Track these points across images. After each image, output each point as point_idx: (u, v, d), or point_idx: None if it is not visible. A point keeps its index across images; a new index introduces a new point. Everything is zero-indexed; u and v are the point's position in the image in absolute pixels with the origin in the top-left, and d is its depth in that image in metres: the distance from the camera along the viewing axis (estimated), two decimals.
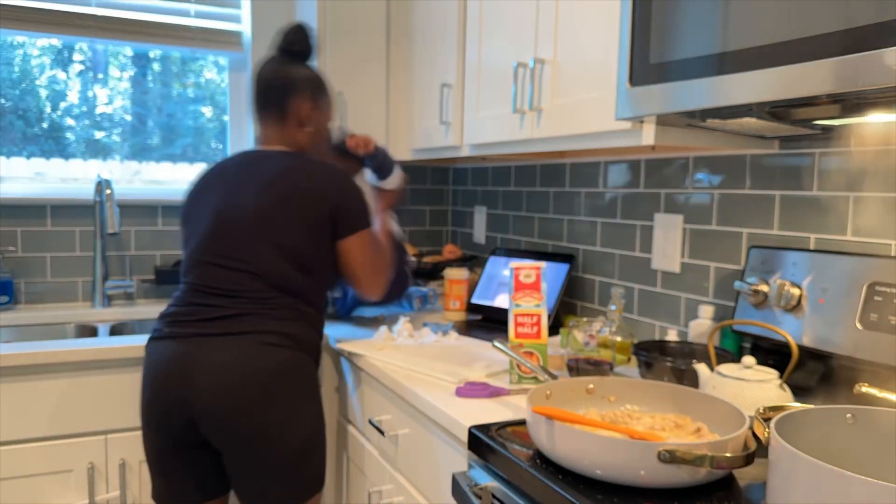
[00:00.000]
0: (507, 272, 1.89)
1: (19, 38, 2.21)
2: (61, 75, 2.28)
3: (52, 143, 2.28)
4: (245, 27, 2.39)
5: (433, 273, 2.43)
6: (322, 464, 1.52)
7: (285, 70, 1.60)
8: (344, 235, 1.54)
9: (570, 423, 0.92)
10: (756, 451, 0.87)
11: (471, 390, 1.32)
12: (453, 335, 1.80)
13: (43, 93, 2.26)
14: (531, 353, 1.42)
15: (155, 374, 1.43)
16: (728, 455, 0.84)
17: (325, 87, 1.65)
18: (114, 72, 2.35)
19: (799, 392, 1.28)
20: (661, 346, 1.46)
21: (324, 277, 1.56)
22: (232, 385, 1.39)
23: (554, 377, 1.37)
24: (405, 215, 2.68)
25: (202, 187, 1.60)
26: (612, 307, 1.61)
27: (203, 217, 1.54)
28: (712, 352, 1.25)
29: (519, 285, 1.42)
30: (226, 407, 1.38)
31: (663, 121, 1.24)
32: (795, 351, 1.12)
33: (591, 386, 1.13)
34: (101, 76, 2.32)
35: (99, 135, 2.33)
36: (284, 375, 1.44)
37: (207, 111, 2.48)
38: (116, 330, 2.15)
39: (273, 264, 1.47)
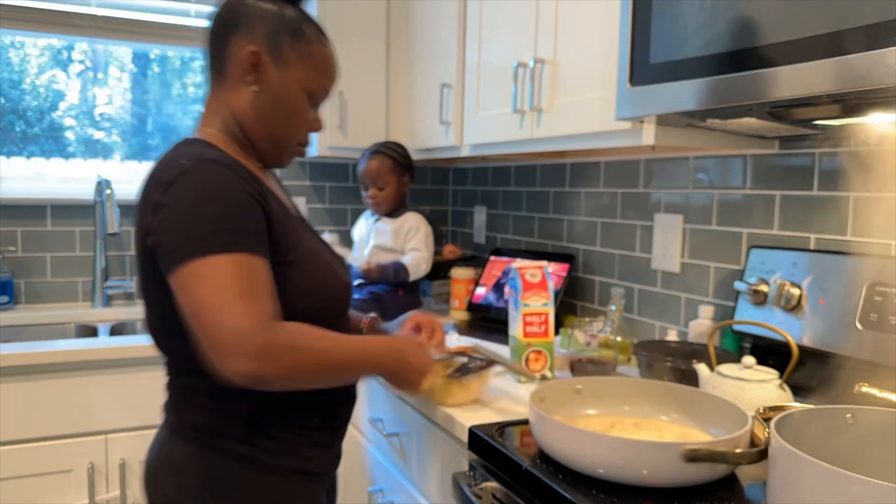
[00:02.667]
0: (508, 270, 1.89)
1: (19, 38, 2.21)
2: (61, 75, 2.28)
3: (52, 143, 2.28)
4: None
5: (433, 273, 2.43)
6: None
7: (234, 2, 1.04)
8: (165, 271, 0.92)
9: (573, 423, 0.92)
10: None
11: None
12: (453, 335, 1.80)
13: (43, 93, 2.25)
14: (540, 352, 1.42)
15: None
16: (739, 451, 0.84)
17: (299, 32, 1.04)
18: (114, 72, 2.35)
19: (799, 392, 1.28)
20: (661, 346, 1.46)
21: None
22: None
23: (546, 378, 1.37)
24: None
25: None
26: (613, 307, 1.61)
27: None
28: (712, 352, 1.25)
29: (526, 285, 1.42)
30: None
31: (663, 121, 1.24)
32: (795, 351, 1.12)
33: (578, 387, 1.13)
34: (101, 76, 2.32)
35: (99, 135, 2.33)
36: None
37: None
38: (116, 330, 2.15)
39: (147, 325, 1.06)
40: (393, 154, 2.06)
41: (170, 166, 0.95)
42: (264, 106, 1.04)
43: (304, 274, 1.02)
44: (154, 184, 0.95)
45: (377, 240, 2.07)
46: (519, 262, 1.47)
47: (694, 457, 0.83)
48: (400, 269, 2.00)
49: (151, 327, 1.04)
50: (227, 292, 0.86)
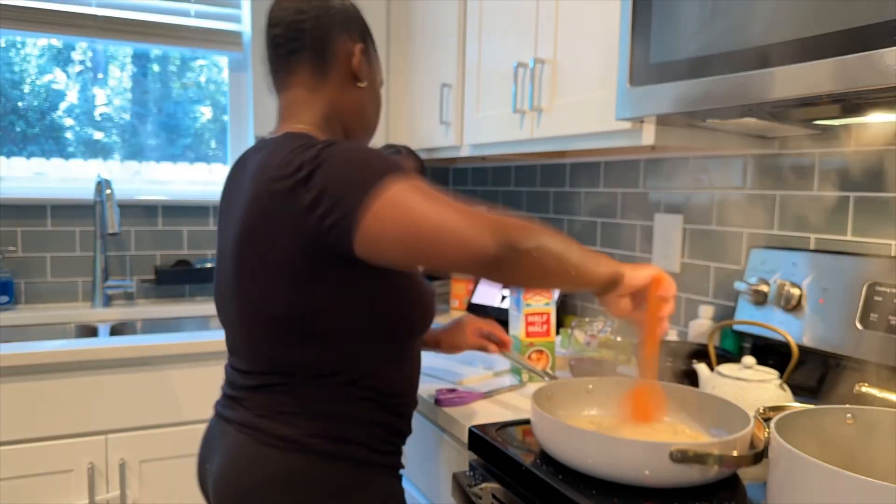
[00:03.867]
0: None
1: (19, 37, 2.21)
2: (61, 75, 2.28)
3: (52, 143, 2.28)
4: (245, 27, 2.39)
5: (433, 273, 2.43)
6: None
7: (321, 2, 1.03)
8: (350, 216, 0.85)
9: (574, 423, 0.92)
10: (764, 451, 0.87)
11: (449, 400, 1.29)
12: None
13: (43, 93, 2.25)
14: (541, 352, 1.43)
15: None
16: (736, 454, 0.84)
17: (370, 30, 1.10)
18: (114, 72, 2.35)
19: (799, 392, 1.28)
20: (661, 346, 1.46)
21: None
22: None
23: (554, 377, 1.37)
24: None
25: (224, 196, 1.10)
26: None
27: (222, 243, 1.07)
28: (712, 352, 1.25)
29: None
30: None
31: (663, 121, 1.24)
32: (795, 351, 1.12)
33: (590, 386, 1.13)
34: (101, 76, 2.32)
35: (99, 135, 2.33)
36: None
37: (207, 111, 2.48)
38: (116, 330, 2.15)
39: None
40: (416, 155, 2.06)
41: (299, 146, 0.90)
42: (366, 102, 1.07)
43: (414, 282, 1.01)
44: (284, 167, 0.89)
45: None
46: None
47: (682, 458, 0.82)
48: None
49: (280, 333, 0.95)
50: (436, 198, 0.84)
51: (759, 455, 0.85)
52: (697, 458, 0.83)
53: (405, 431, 1.06)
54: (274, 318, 0.94)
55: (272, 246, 0.91)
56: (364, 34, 1.06)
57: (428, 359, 1.56)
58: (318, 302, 0.91)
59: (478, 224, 0.82)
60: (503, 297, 2.03)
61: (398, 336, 1.00)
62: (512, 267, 0.83)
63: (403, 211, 0.82)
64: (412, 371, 1.06)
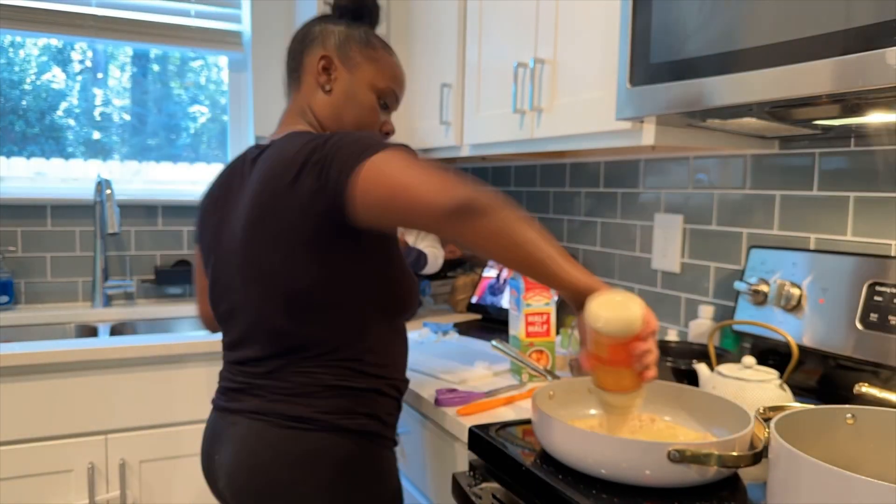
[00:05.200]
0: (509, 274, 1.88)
1: (19, 37, 2.21)
2: (61, 75, 2.28)
3: (52, 143, 2.28)
4: (245, 27, 2.39)
5: (432, 273, 2.43)
6: None
7: (310, 24, 1.19)
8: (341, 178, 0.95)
9: (575, 422, 0.92)
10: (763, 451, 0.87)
11: (449, 400, 1.29)
12: (453, 335, 1.80)
13: (43, 93, 2.25)
14: (541, 352, 1.43)
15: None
16: (736, 454, 0.84)
17: (366, 41, 1.19)
18: (114, 72, 2.35)
19: (799, 392, 1.28)
20: (661, 346, 1.46)
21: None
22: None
23: (556, 377, 1.37)
24: None
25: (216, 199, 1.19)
26: None
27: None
28: (712, 352, 1.25)
29: (529, 285, 1.43)
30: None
31: (663, 121, 1.24)
32: (795, 351, 1.12)
33: (592, 386, 1.13)
34: (100, 76, 2.32)
35: (98, 135, 2.33)
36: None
37: (207, 111, 2.48)
38: (116, 330, 2.15)
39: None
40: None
41: (309, 139, 1.00)
42: (338, 103, 1.16)
43: (404, 269, 1.12)
44: (287, 158, 1.00)
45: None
46: None
47: (681, 457, 0.83)
48: (421, 256, 2.00)
49: (299, 306, 1.02)
50: (415, 163, 0.93)
51: (758, 455, 0.85)
52: (697, 458, 0.83)
53: (400, 407, 1.15)
54: (293, 291, 1.01)
55: (287, 222, 0.99)
56: (342, 44, 1.16)
57: (428, 359, 1.56)
58: (330, 273, 1.00)
59: (442, 183, 0.90)
60: (502, 292, 2.03)
61: (391, 314, 1.10)
62: (468, 225, 0.89)
63: (384, 173, 0.92)
64: (405, 349, 1.16)
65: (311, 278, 1.00)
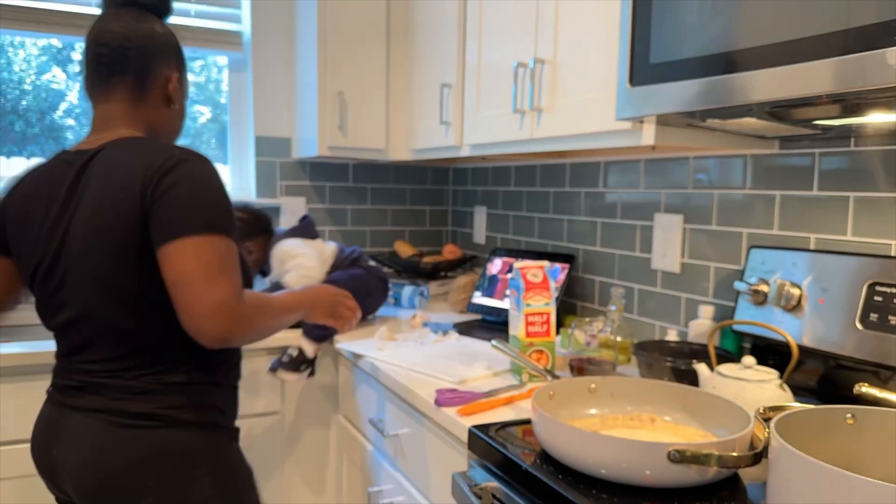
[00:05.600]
0: (510, 274, 1.89)
1: (19, 38, 2.21)
2: (61, 75, 2.28)
3: (52, 143, 2.28)
4: (245, 27, 2.39)
5: (433, 273, 2.43)
6: None
7: (145, 26, 1.16)
8: (158, 242, 1.04)
9: (575, 423, 0.92)
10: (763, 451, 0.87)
11: (449, 400, 1.29)
12: (453, 335, 1.80)
13: (43, 93, 2.25)
14: (541, 352, 1.43)
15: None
16: (735, 454, 0.84)
17: (184, 57, 1.26)
18: None
19: (799, 392, 1.28)
20: (661, 346, 1.46)
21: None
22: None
23: (556, 377, 1.37)
24: (406, 215, 2.68)
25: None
26: (613, 307, 1.61)
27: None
28: (712, 352, 1.25)
29: (529, 285, 1.43)
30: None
31: (663, 121, 1.24)
32: (795, 351, 1.12)
33: (592, 386, 1.13)
34: None
35: None
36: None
37: (207, 111, 2.48)
38: None
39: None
40: (264, 219, 2.02)
41: (160, 154, 1.07)
42: (177, 121, 1.25)
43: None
44: (147, 169, 1.05)
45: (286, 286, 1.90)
46: (521, 263, 1.47)
47: (681, 458, 0.83)
48: (276, 287, 1.89)
49: (137, 307, 1.08)
50: (214, 267, 1.02)
51: (758, 455, 0.85)
52: (697, 458, 0.83)
53: (237, 397, 1.24)
54: (132, 294, 1.07)
55: (125, 231, 1.05)
56: (180, 62, 1.23)
57: (428, 359, 1.56)
58: (157, 278, 1.06)
59: (218, 307, 1.01)
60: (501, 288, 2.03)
61: None
62: (229, 343, 1.04)
63: (183, 264, 1.01)
64: None
65: (147, 282, 1.06)
